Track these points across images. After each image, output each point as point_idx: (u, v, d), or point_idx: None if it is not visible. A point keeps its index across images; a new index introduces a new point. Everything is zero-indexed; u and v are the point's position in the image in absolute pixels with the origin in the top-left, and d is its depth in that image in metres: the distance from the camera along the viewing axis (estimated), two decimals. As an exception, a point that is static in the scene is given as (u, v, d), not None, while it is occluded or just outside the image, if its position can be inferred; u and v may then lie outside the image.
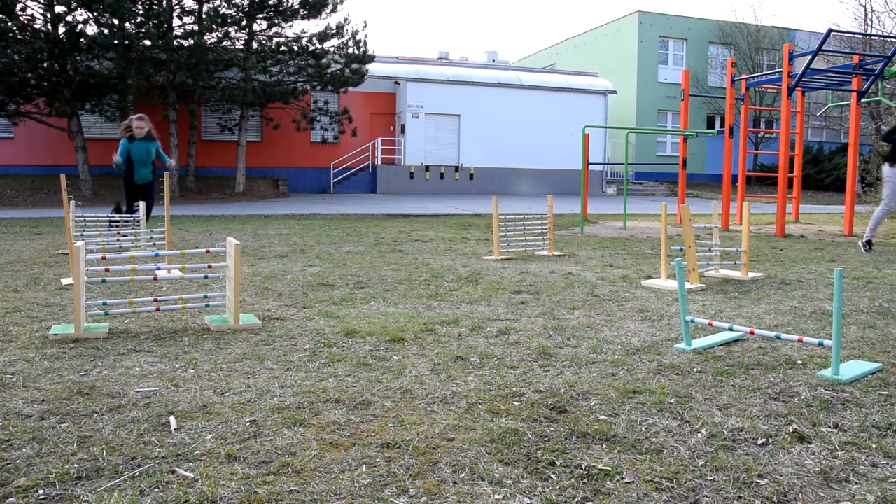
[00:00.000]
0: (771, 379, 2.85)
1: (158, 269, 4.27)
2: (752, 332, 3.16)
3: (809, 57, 10.13)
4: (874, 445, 2.15)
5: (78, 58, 18.37)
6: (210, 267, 3.94)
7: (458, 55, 43.22)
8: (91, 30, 18.51)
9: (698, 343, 3.40)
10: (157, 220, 10.59)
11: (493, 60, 36.01)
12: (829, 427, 2.31)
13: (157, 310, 3.85)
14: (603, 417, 2.39)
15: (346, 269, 6.18)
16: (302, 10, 20.45)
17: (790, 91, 10.48)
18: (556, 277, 5.74)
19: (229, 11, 19.88)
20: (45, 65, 18.41)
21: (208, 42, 19.51)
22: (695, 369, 3.00)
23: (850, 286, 5.34)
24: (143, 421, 2.32)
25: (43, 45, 17.28)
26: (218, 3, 19.95)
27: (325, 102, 22.83)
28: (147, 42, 18.48)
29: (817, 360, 3.15)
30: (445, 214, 15.31)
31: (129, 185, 8.26)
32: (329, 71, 20.98)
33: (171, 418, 2.34)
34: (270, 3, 20.10)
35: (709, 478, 1.92)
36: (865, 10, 26.75)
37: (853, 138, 11.05)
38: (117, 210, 8.48)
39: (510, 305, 4.49)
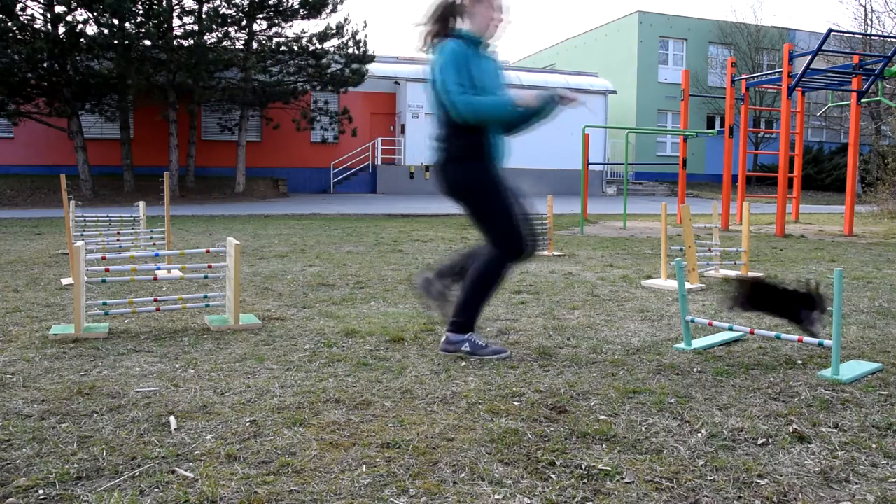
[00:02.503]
0: (771, 379, 2.85)
1: (158, 269, 4.27)
2: (752, 332, 3.16)
3: (809, 57, 10.14)
4: (874, 445, 2.15)
5: (78, 58, 18.37)
6: (210, 267, 3.94)
7: (458, 55, 43.06)
8: (91, 30, 18.53)
9: (698, 343, 3.40)
10: (157, 220, 10.59)
11: (493, 60, 35.93)
12: (829, 427, 2.31)
13: (157, 310, 3.85)
14: (603, 417, 2.39)
15: (346, 269, 6.18)
16: (302, 10, 20.45)
17: (790, 91, 10.47)
18: (556, 277, 5.74)
19: (229, 11, 19.88)
20: (45, 65, 18.41)
21: (208, 42, 19.51)
22: (695, 369, 3.00)
23: (850, 286, 5.34)
24: (143, 421, 2.32)
25: (43, 45, 17.29)
26: (218, 3, 19.95)
27: (325, 102, 22.83)
28: (147, 42, 18.49)
29: (817, 360, 3.15)
30: (445, 214, 15.31)
31: (488, 173, 3.12)
32: (329, 71, 20.98)
33: (171, 418, 2.34)
34: (270, 3, 20.10)
35: (709, 478, 1.92)
36: (865, 11, 26.78)
37: (853, 138, 11.05)
38: (457, 272, 3.28)
39: (510, 305, 4.48)
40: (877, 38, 23.87)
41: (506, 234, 3.10)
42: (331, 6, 20.85)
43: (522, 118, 3.22)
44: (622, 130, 23.91)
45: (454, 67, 3.00)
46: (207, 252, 3.91)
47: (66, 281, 5.26)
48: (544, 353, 3.25)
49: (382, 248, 7.96)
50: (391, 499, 1.79)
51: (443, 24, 3.14)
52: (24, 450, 2.07)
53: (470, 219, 3.19)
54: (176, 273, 4.37)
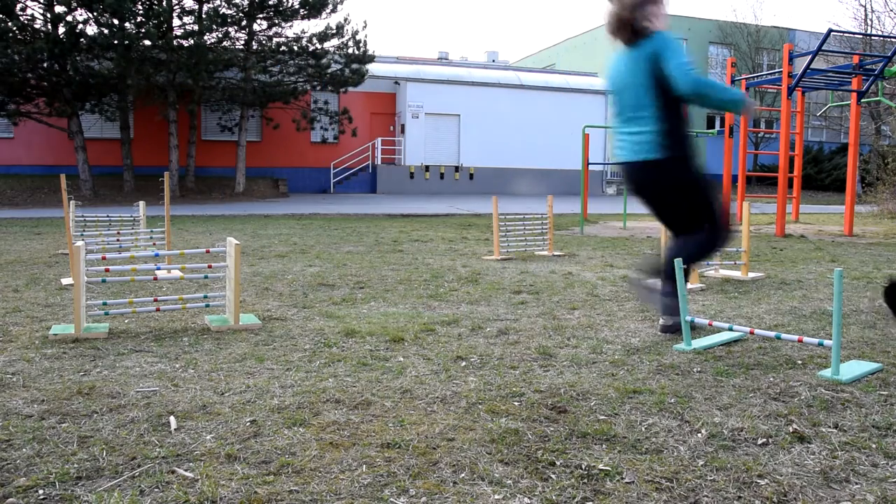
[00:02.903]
0: (771, 379, 2.85)
1: (158, 269, 4.27)
2: (752, 332, 3.16)
3: (809, 57, 10.13)
4: (874, 445, 2.15)
5: (78, 58, 18.37)
6: (210, 267, 3.94)
7: (458, 55, 43.23)
8: (91, 30, 18.54)
9: (698, 343, 3.39)
10: (157, 220, 10.59)
11: (493, 60, 36.02)
12: (829, 427, 2.31)
13: (157, 310, 3.85)
14: (603, 417, 2.39)
15: (346, 269, 6.18)
16: (302, 10, 20.47)
17: (790, 91, 10.47)
18: (556, 277, 5.74)
19: (229, 11, 19.89)
20: (45, 65, 18.42)
21: (208, 42, 19.51)
22: (695, 369, 3.00)
23: (850, 286, 5.34)
24: (143, 421, 2.32)
25: (43, 45, 17.29)
26: (218, 3, 19.96)
27: (325, 102, 22.85)
28: (147, 42, 18.49)
29: (817, 360, 3.15)
30: (445, 214, 15.31)
31: (694, 165, 3.51)
32: (329, 71, 21.00)
33: (171, 418, 2.34)
34: (270, 3, 20.11)
35: (709, 478, 1.92)
36: (865, 11, 26.81)
37: (853, 138, 11.05)
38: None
39: (510, 305, 4.48)
40: (877, 38, 23.88)
41: (719, 213, 3.54)
42: (331, 6, 20.87)
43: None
44: (622, 130, 23.89)
45: (681, 52, 3.33)
46: (207, 252, 3.91)
47: (66, 281, 5.26)
48: (544, 353, 3.25)
49: (382, 248, 7.96)
50: (391, 499, 1.79)
51: (638, 17, 3.43)
52: (24, 450, 2.07)
53: (685, 212, 3.56)
54: (176, 273, 4.37)
